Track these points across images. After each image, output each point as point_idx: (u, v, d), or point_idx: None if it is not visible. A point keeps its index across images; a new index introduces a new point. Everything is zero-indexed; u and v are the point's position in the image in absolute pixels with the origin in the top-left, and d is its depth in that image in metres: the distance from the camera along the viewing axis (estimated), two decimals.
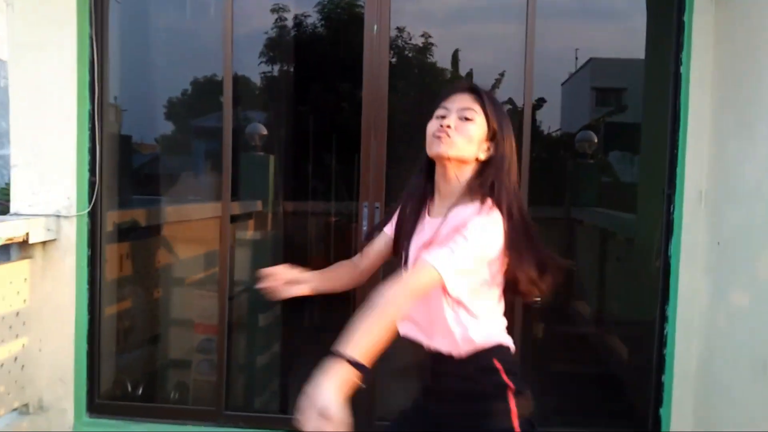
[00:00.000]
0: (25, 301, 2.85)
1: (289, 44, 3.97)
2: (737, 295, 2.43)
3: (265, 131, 3.63)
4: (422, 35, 3.62)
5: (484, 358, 1.49)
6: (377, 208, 2.87)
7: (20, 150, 2.89)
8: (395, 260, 1.65)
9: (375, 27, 2.83)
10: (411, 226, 1.57)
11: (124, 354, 3.24)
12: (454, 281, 1.35)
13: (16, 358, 2.80)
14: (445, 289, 1.37)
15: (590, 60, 3.72)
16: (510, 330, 1.58)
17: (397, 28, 3.40)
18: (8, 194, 7.02)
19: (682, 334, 2.75)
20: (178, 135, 3.63)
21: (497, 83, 3.29)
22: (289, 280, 1.67)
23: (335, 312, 3.50)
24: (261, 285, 1.63)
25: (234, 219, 3.20)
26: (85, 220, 2.96)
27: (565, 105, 3.81)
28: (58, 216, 2.91)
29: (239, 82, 3.20)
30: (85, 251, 2.97)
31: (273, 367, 3.41)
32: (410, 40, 3.63)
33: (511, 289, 1.53)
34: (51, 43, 2.85)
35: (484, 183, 1.46)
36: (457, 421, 1.51)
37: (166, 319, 3.36)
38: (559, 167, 3.86)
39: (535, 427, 1.50)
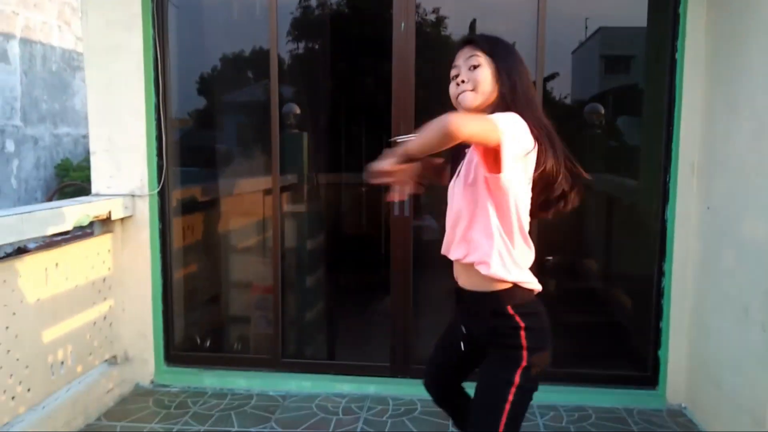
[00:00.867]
0: (109, 269, 3.26)
1: (324, 24, 4.22)
2: (724, 253, 2.78)
3: (298, 110, 3.95)
4: (444, 19, 3.86)
5: (498, 301, 1.62)
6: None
7: (98, 139, 3.27)
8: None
9: (402, 25, 3.15)
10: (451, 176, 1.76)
11: (193, 312, 3.65)
12: (510, 148, 1.47)
13: (105, 317, 3.23)
14: (499, 168, 1.48)
15: (599, 29, 3.76)
16: None
17: (422, 19, 3.67)
18: (67, 168, 7.48)
19: (677, 287, 3.11)
20: (227, 115, 3.95)
21: None
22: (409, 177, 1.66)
23: (371, 273, 3.93)
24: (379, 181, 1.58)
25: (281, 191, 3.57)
26: (156, 198, 3.35)
27: (575, 74, 3.91)
28: (133, 196, 3.32)
29: (281, 61, 3.47)
30: (156, 225, 3.37)
31: (320, 322, 3.82)
32: (434, 25, 3.89)
33: (545, 198, 1.65)
34: (120, 45, 3.19)
35: (506, 107, 1.60)
36: (482, 340, 1.70)
37: (227, 281, 3.75)
38: (570, 135, 4.13)
39: (536, 385, 1.65)
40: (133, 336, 3.40)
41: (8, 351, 2.46)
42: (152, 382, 3.44)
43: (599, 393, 3.20)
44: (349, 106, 4.55)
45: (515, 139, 1.49)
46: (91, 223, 3.19)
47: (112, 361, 3.34)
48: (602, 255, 3.79)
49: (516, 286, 1.63)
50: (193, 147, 3.74)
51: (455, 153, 1.74)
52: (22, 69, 6.97)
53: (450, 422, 3.00)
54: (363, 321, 3.92)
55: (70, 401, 2.90)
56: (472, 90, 1.63)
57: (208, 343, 3.65)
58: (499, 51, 1.66)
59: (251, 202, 3.78)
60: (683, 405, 3.13)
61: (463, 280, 1.74)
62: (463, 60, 1.67)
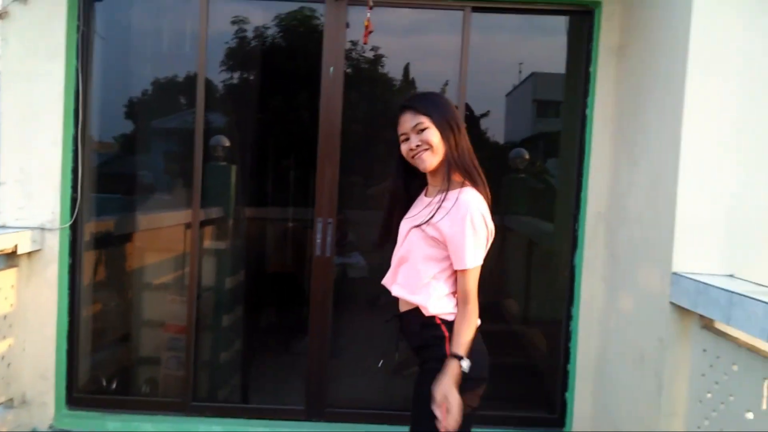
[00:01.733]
0: (11, 305, 3.18)
1: (254, 59, 4.31)
2: (624, 299, 3.02)
3: (227, 143, 3.98)
4: (375, 59, 4.04)
5: (434, 325, 1.87)
6: (330, 223, 3.35)
7: (9, 169, 3.21)
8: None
9: (331, 69, 3.31)
10: (399, 216, 2.00)
11: (99, 352, 3.57)
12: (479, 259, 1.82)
13: (3, 357, 3.12)
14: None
15: (532, 74, 3.92)
16: None
17: (352, 64, 3.85)
18: None
19: (583, 330, 3.33)
20: (152, 149, 3.95)
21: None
22: None
23: (291, 313, 3.97)
24: None
25: (201, 225, 3.59)
26: (67, 232, 3.31)
27: (508, 116, 4.07)
28: (42, 229, 3.26)
29: (209, 94, 3.54)
30: (66, 260, 3.32)
31: (235, 363, 3.80)
32: (365, 66, 4.06)
33: None
34: (41, 73, 3.19)
35: (454, 161, 1.86)
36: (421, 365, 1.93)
37: (139, 319, 3.69)
38: (498, 176, 4.31)
39: (476, 410, 1.85)
40: (33, 377, 3.30)
41: None
42: (51, 426, 3.33)
43: None
44: (278, 141, 4.60)
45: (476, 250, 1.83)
46: None
47: (9, 404, 3.22)
48: (520, 297, 3.96)
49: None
50: (113, 177, 3.72)
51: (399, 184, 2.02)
52: None
53: None
54: (279, 362, 3.93)
55: None
56: (427, 150, 1.86)
57: (114, 385, 3.57)
58: (437, 111, 1.88)
59: (170, 237, 3.76)
60: None
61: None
62: (409, 126, 1.89)
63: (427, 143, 1.85)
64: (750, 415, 2.08)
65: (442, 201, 1.83)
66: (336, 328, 3.67)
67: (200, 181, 3.40)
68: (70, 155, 3.29)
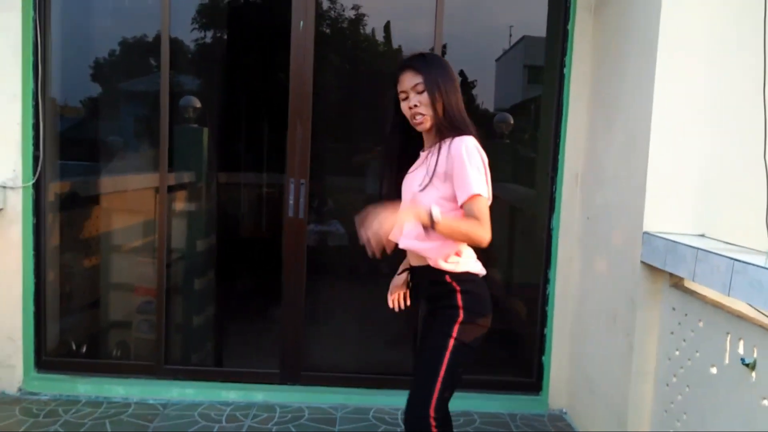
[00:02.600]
0: None
1: (222, 16, 4.28)
2: (598, 261, 3.11)
3: (198, 104, 3.99)
4: (348, 16, 4.03)
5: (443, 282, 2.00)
6: (302, 183, 3.39)
7: None
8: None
9: (301, 23, 3.31)
10: (402, 172, 2.11)
11: (68, 315, 3.62)
12: (488, 192, 1.94)
13: None
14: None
15: (523, 38, 3.93)
16: None
17: (322, 17, 3.85)
18: None
19: (560, 294, 3.43)
20: (115, 105, 3.94)
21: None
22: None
23: (265, 277, 4.02)
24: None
25: (171, 190, 3.61)
26: (30, 191, 3.33)
27: (498, 81, 4.08)
28: (4, 187, 3.27)
29: (174, 51, 3.51)
30: (30, 220, 3.34)
31: (208, 327, 3.88)
32: (337, 22, 4.06)
33: None
34: None
35: (451, 122, 1.99)
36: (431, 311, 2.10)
37: (107, 283, 3.74)
38: (484, 145, 4.34)
39: (473, 355, 2.01)
40: None
41: None
42: (20, 389, 3.38)
43: (486, 399, 3.45)
44: (251, 102, 4.61)
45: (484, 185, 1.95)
46: None
47: None
48: (502, 263, 4.04)
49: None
50: (77, 137, 3.73)
51: (403, 144, 2.15)
52: None
53: (335, 428, 3.16)
54: (254, 327, 4.01)
55: None
56: (424, 113, 2.00)
57: (84, 349, 3.63)
58: (435, 72, 2.01)
59: (139, 200, 3.80)
60: (564, 410, 3.43)
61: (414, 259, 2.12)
62: (409, 85, 2.01)
63: (425, 104, 1.99)
64: (714, 370, 2.18)
65: (439, 149, 1.98)
66: (315, 295, 3.74)
67: (167, 144, 3.41)
68: (30, 111, 3.28)
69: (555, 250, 3.42)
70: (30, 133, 3.30)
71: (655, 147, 2.57)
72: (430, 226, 1.85)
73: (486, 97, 4.05)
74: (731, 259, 1.99)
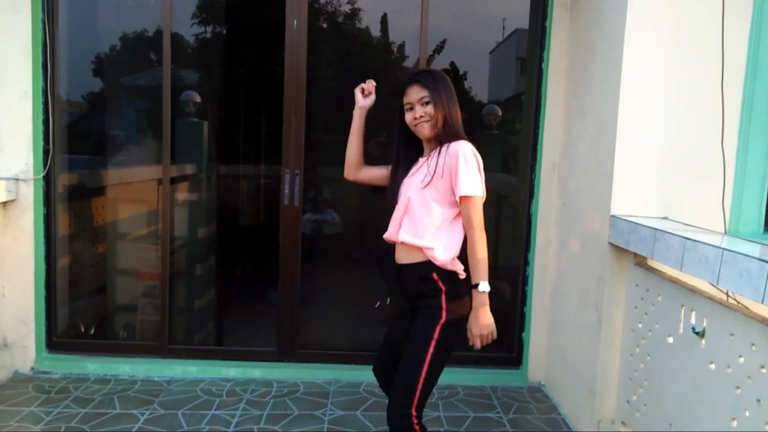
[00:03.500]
0: None
1: (221, 14, 4.40)
2: (572, 242, 3.26)
3: (198, 98, 4.12)
4: (340, 12, 4.15)
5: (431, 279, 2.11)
6: (297, 174, 3.54)
7: None
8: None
9: (295, 22, 3.45)
10: (402, 176, 2.25)
11: (77, 299, 3.77)
12: (482, 191, 2.10)
13: None
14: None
15: (516, 30, 3.96)
16: None
17: (315, 16, 3.97)
18: None
19: (538, 274, 3.59)
20: (120, 101, 4.07)
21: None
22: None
23: (262, 262, 4.18)
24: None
25: (173, 181, 3.76)
26: (41, 182, 3.48)
27: (492, 73, 4.14)
28: (17, 179, 3.43)
29: (175, 48, 3.66)
30: (41, 209, 3.49)
31: (209, 309, 4.03)
32: (329, 19, 4.18)
33: None
34: (8, 27, 3.30)
35: (449, 130, 2.15)
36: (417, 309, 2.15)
37: (114, 268, 3.89)
38: (471, 133, 4.44)
39: (453, 349, 2.11)
40: (13, 322, 3.50)
41: None
42: (32, 368, 3.54)
43: (469, 373, 3.62)
44: (249, 97, 4.71)
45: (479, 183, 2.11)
46: None
47: None
48: (489, 248, 4.13)
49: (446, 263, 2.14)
50: (84, 132, 3.86)
51: (400, 149, 2.30)
52: None
53: (328, 400, 3.32)
54: (253, 309, 4.17)
55: None
56: (428, 122, 2.16)
57: (92, 331, 3.78)
58: (440, 87, 2.18)
59: (143, 191, 3.93)
60: (541, 382, 3.60)
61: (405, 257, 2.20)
62: (415, 98, 2.18)
63: (429, 115, 2.15)
64: (670, 339, 2.35)
65: (439, 152, 2.14)
66: (310, 279, 3.89)
67: (170, 137, 3.55)
68: (40, 107, 3.42)
69: (534, 234, 3.58)
70: (40, 128, 3.44)
71: (622, 137, 2.73)
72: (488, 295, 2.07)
73: (480, 89, 4.13)
74: (683, 237, 2.15)
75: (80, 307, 3.81)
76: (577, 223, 3.19)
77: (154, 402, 3.23)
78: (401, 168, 2.28)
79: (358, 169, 2.41)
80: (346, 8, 4.04)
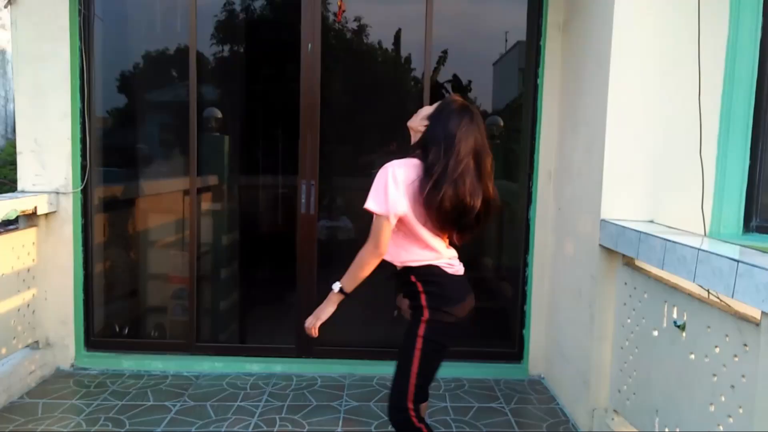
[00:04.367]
0: (33, 260, 3.53)
1: (241, 33, 4.57)
2: (567, 245, 3.38)
3: (220, 114, 4.26)
4: (351, 37, 4.29)
5: (410, 282, 2.14)
6: (312, 184, 3.69)
7: (25, 140, 3.54)
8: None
9: (309, 46, 3.60)
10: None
11: (112, 302, 3.94)
12: (380, 207, 2.07)
13: (28, 305, 3.48)
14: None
15: (517, 43, 4.04)
16: None
17: (330, 39, 4.11)
18: None
19: (537, 275, 3.71)
20: (151, 120, 4.24)
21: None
22: None
23: (281, 267, 4.32)
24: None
25: (198, 191, 3.91)
26: (79, 195, 3.65)
27: (495, 84, 4.20)
28: (57, 193, 3.60)
29: (200, 68, 3.81)
30: (79, 220, 3.66)
31: (233, 310, 4.18)
32: (342, 42, 4.32)
33: (463, 221, 2.13)
34: (48, 54, 3.48)
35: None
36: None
37: (146, 273, 4.05)
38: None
39: (444, 345, 2.12)
40: (54, 323, 3.67)
41: None
42: (72, 365, 3.70)
43: (474, 367, 3.73)
44: (267, 113, 4.85)
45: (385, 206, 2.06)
46: (17, 218, 3.45)
47: (35, 345, 3.60)
48: (492, 251, 4.31)
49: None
50: (117, 148, 4.02)
51: None
52: None
53: (344, 393, 3.45)
54: (272, 309, 4.31)
55: None
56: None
57: (126, 331, 3.94)
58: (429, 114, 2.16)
59: (171, 201, 4.09)
60: (541, 375, 3.71)
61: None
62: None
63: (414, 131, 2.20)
64: (655, 333, 2.46)
65: None
66: (326, 280, 4.00)
67: (195, 151, 3.71)
68: (78, 127, 3.60)
69: (532, 237, 3.70)
70: (78, 145, 3.62)
71: (610, 146, 2.85)
72: (344, 295, 2.15)
73: (484, 99, 4.19)
74: (664, 239, 2.27)
75: (115, 309, 3.97)
76: (571, 227, 3.31)
77: (184, 395, 3.38)
78: None
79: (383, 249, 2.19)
80: (356, 31, 4.17)
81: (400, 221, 2.09)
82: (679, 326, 2.27)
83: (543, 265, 3.68)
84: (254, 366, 3.74)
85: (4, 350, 3.25)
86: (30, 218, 3.53)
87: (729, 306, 2.03)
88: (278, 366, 3.75)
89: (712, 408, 2.04)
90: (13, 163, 3.65)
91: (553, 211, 3.62)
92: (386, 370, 3.68)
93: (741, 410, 1.87)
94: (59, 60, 3.51)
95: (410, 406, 2.07)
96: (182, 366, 3.72)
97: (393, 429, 2.14)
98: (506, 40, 4.03)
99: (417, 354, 2.07)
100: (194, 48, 3.64)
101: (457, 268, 2.21)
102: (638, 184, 2.86)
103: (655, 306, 2.46)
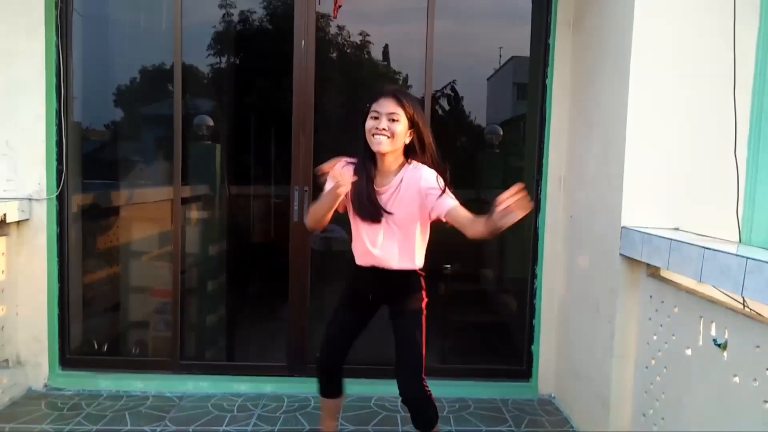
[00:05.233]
0: (3, 272, 3.22)
1: (231, 38, 4.35)
2: (581, 255, 3.10)
3: (211, 122, 4.01)
4: (348, 39, 4.07)
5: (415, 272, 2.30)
6: (306, 191, 3.40)
7: None
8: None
9: (303, 43, 3.33)
10: (370, 192, 2.18)
11: (90, 317, 3.61)
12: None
13: None
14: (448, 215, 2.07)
15: (512, 58, 3.99)
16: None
17: (324, 31, 3.86)
18: None
19: (547, 287, 3.42)
20: (133, 123, 3.97)
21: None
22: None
23: (272, 279, 4.02)
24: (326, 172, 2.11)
25: (185, 201, 3.63)
26: (54, 202, 3.33)
27: (490, 99, 4.12)
28: (30, 199, 3.29)
29: (186, 73, 3.57)
30: (54, 229, 3.35)
31: (220, 325, 3.87)
32: (337, 42, 4.08)
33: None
34: (22, 51, 3.19)
35: (416, 154, 2.18)
36: (400, 297, 2.30)
37: (127, 286, 3.75)
38: (474, 155, 4.39)
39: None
40: (26, 340, 3.35)
41: None
42: (45, 385, 3.38)
43: (480, 386, 3.44)
44: (259, 120, 4.63)
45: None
46: None
47: (4, 364, 3.28)
48: (494, 262, 4.05)
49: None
50: (97, 152, 3.74)
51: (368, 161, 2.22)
52: None
53: (340, 414, 3.14)
54: (263, 324, 4.00)
55: None
56: (389, 137, 2.09)
57: (105, 348, 3.62)
58: (414, 110, 2.14)
59: (156, 210, 3.79)
60: (552, 395, 3.42)
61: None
62: (384, 110, 2.10)
63: (391, 132, 2.09)
64: (689, 352, 2.18)
65: (410, 175, 2.18)
66: (319, 294, 3.73)
67: (180, 159, 3.43)
68: (54, 129, 3.30)
69: (541, 247, 3.42)
70: (54, 149, 3.32)
71: (631, 149, 2.58)
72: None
73: (479, 113, 4.06)
74: (702, 247, 2.00)
75: (93, 325, 3.65)
76: (586, 235, 3.04)
77: (165, 418, 3.06)
78: (369, 182, 2.19)
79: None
80: (351, 31, 3.93)
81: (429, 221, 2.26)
82: (719, 345, 1.98)
83: (553, 276, 3.40)
84: (242, 386, 3.43)
85: None
86: (0, 227, 3.21)
87: None
88: (268, 386, 3.43)
89: None
90: None
91: (564, 218, 3.34)
92: (385, 389, 3.43)
93: None
94: (33, 57, 3.22)
95: (425, 380, 2.22)
96: (164, 386, 3.40)
97: (412, 406, 2.23)
98: (500, 56, 3.96)
99: (424, 333, 2.26)
100: (179, 50, 3.35)
101: None
102: (661, 190, 2.59)
103: (688, 322, 2.18)
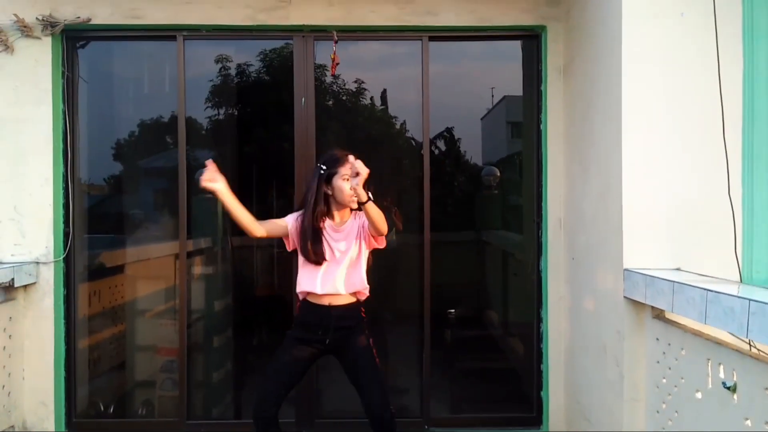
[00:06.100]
0: (10, 337, 3.21)
1: (232, 93, 4.44)
2: (585, 297, 3.10)
3: None
4: (344, 90, 4.16)
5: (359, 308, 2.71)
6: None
7: (4, 207, 3.28)
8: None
9: (303, 99, 3.42)
10: (318, 235, 2.60)
11: (97, 378, 3.60)
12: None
13: (3, 386, 3.15)
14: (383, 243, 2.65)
15: (504, 97, 4.05)
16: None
17: (323, 93, 3.96)
18: None
19: (553, 331, 3.40)
20: (137, 179, 4.03)
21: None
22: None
23: (278, 332, 4.00)
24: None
25: (189, 255, 3.65)
26: (61, 264, 3.37)
27: (484, 138, 4.15)
28: (37, 263, 3.32)
29: (189, 128, 3.63)
30: (61, 291, 3.37)
31: (227, 381, 3.84)
32: (335, 94, 4.17)
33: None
34: (30, 118, 3.28)
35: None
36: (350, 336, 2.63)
37: (133, 346, 3.73)
38: (471, 194, 4.43)
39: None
40: (32, 405, 3.33)
41: None
42: None
43: None
44: (260, 173, 4.68)
45: None
46: None
47: (10, 430, 3.23)
48: (498, 305, 4.05)
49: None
50: (103, 213, 3.78)
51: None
52: None
53: None
54: None
55: None
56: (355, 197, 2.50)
57: (111, 409, 3.58)
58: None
59: (160, 267, 3.81)
60: None
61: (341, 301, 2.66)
62: (348, 172, 2.53)
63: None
64: (699, 395, 2.16)
65: (358, 217, 2.67)
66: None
67: (185, 214, 3.47)
68: (60, 192, 3.36)
69: (545, 290, 3.42)
70: (60, 212, 3.37)
71: (628, 191, 2.61)
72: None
73: (474, 152, 4.11)
74: (705, 289, 2.00)
75: (100, 386, 3.63)
76: (589, 278, 3.04)
77: None
78: (314, 229, 2.59)
79: (259, 226, 2.65)
80: (350, 85, 4.02)
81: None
82: (729, 387, 1.97)
83: (559, 320, 3.39)
84: None
85: None
86: (7, 291, 3.22)
87: None
88: None
89: None
90: None
91: (565, 261, 3.36)
92: None
93: None
94: (41, 123, 3.30)
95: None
96: None
97: (384, 423, 2.54)
98: (492, 96, 4.06)
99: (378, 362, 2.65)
100: (183, 108, 3.45)
101: None
102: (661, 230, 2.61)
103: (697, 364, 2.17)
